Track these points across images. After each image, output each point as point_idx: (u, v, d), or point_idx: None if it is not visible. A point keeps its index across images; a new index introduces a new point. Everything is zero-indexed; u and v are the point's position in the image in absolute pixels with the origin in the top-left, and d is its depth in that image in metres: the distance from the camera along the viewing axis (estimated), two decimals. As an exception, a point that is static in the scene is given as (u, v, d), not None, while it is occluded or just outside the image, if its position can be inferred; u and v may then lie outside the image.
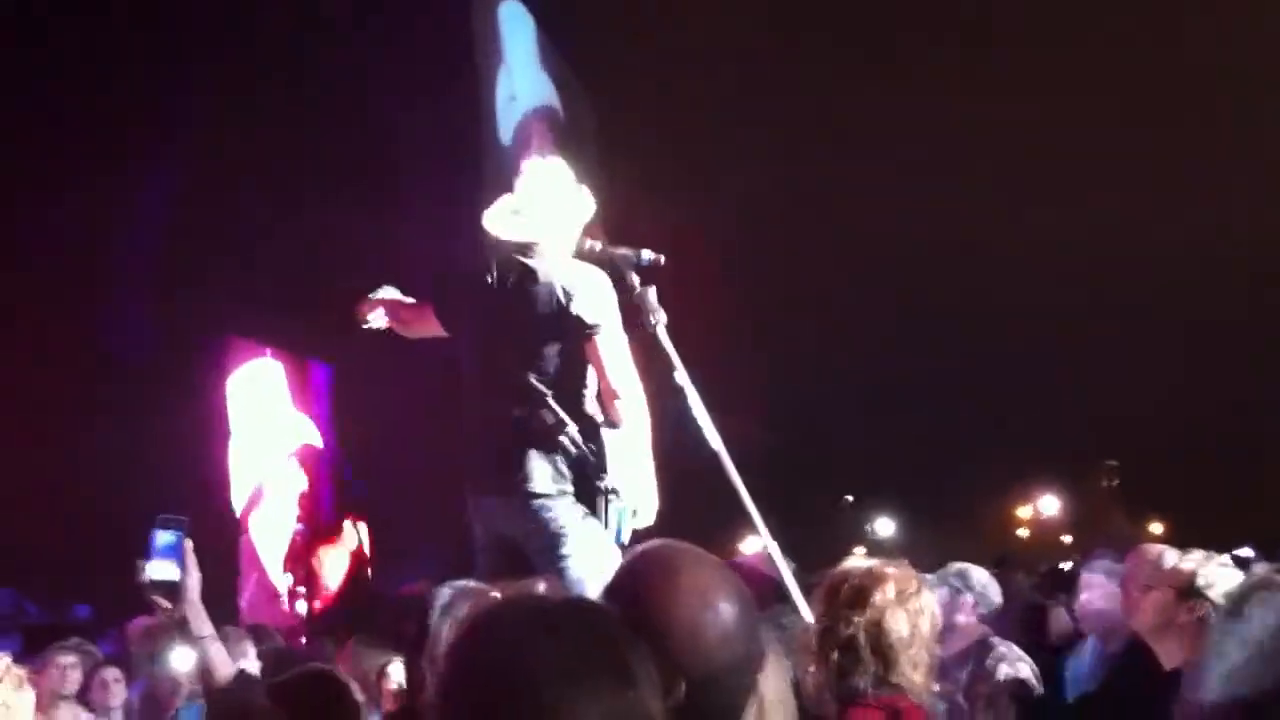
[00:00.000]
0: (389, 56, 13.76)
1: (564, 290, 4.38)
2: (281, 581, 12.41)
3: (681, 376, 4.45)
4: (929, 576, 4.97)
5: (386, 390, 13.63)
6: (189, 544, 3.15)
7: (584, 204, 4.68)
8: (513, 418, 4.34)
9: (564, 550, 4.21)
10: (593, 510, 4.23)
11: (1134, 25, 27.37)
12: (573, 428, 4.30)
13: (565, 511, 4.25)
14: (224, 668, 3.17)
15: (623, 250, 4.58)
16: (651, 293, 4.54)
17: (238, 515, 12.14)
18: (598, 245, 4.62)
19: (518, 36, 18.06)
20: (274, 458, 12.74)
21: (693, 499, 4.99)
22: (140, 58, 11.59)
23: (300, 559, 12.71)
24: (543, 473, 4.32)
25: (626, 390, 4.28)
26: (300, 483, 13.03)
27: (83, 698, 6.24)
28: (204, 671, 3.18)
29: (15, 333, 10.36)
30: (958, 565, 5.15)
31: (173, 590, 3.11)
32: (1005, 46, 28.46)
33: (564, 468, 4.28)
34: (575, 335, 4.31)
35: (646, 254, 4.59)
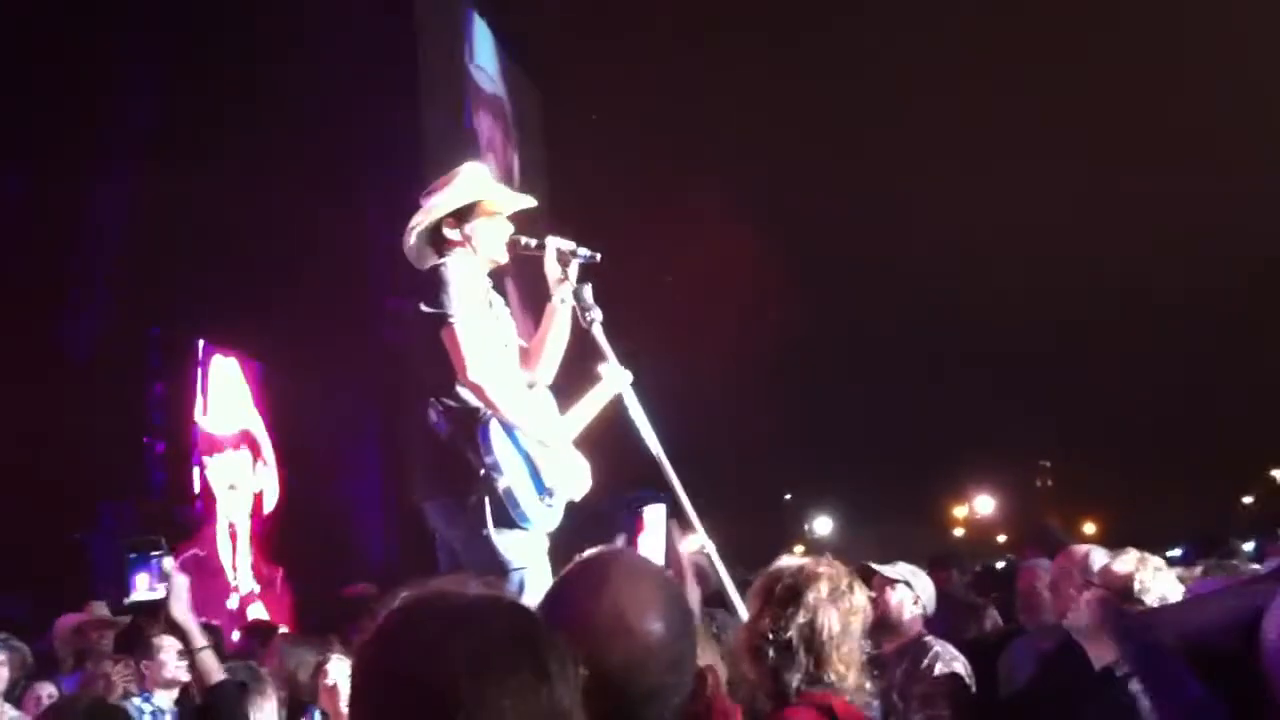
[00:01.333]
0: (335, 47, 13.69)
1: (419, 284, 4.41)
2: (236, 578, 12.35)
3: (607, 368, 4.47)
4: (886, 568, 5.01)
5: (321, 386, 13.55)
6: (169, 562, 3.22)
7: (501, 203, 4.66)
8: (415, 420, 4.40)
9: (470, 547, 4.23)
10: (480, 501, 4.20)
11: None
12: (448, 423, 4.30)
13: (461, 509, 4.25)
14: (214, 676, 3.29)
15: (561, 244, 4.59)
16: (588, 290, 4.55)
17: (195, 510, 12.07)
18: (532, 242, 4.62)
19: (465, 28, 18.10)
20: (230, 455, 12.69)
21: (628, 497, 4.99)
22: (94, 49, 11.46)
23: (251, 556, 12.67)
24: (431, 473, 4.36)
25: (487, 377, 4.25)
26: (254, 481, 12.98)
27: (9, 697, 6.16)
28: (197, 678, 3.29)
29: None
30: (906, 565, 5.19)
31: (155, 609, 3.20)
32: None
33: (445, 464, 4.28)
34: (432, 326, 4.31)
35: (584, 251, 4.61)
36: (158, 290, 11.94)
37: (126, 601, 3.17)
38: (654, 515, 4.43)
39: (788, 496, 38.40)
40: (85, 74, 11.42)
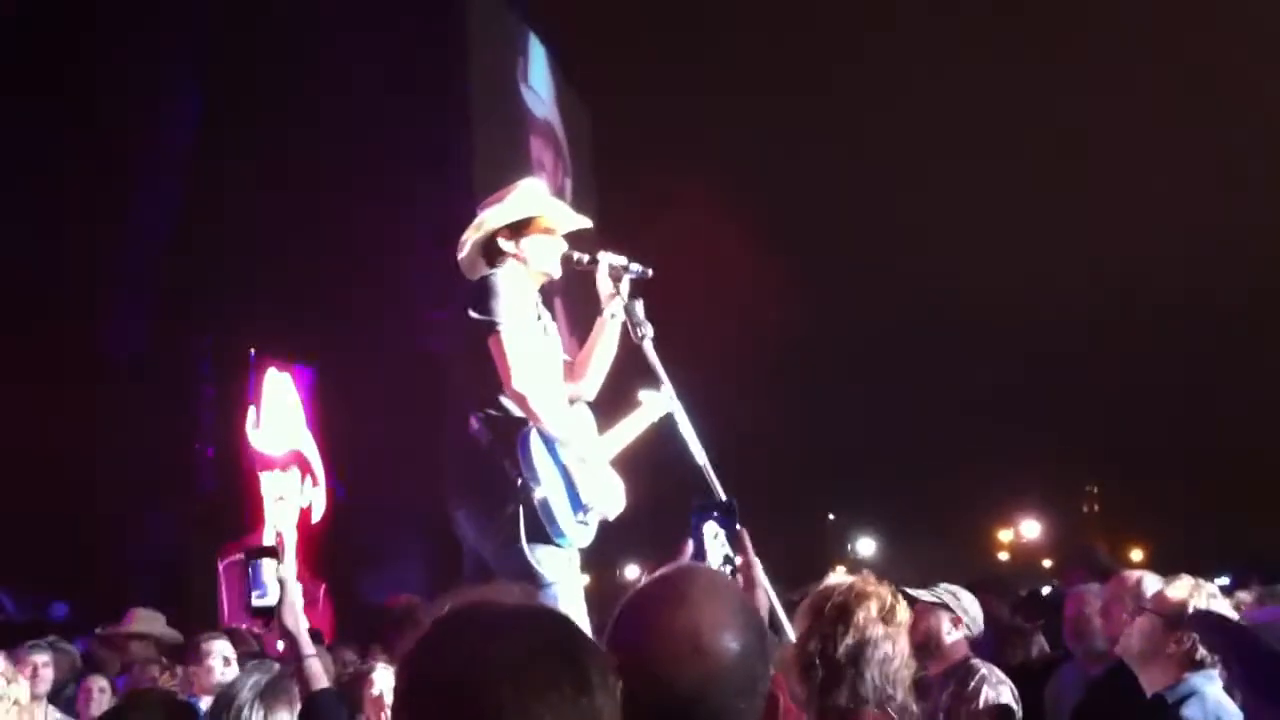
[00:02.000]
0: (383, 61, 13.79)
1: (469, 292, 4.42)
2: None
3: (668, 390, 4.46)
4: (923, 593, 4.96)
5: (367, 393, 13.61)
6: (282, 569, 3.34)
7: (557, 219, 4.68)
8: (454, 429, 4.40)
9: (501, 559, 4.23)
10: (515, 512, 4.20)
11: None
12: (489, 432, 4.30)
13: (496, 519, 4.24)
14: (319, 682, 3.32)
15: (614, 259, 4.60)
16: (639, 306, 4.55)
17: (243, 517, 12.14)
18: (585, 257, 4.63)
19: (515, 45, 18.18)
20: (279, 473, 12.76)
21: (676, 512, 4.97)
22: (135, 59, 11.58)
23: (295, 569, 12.68)
24: (466, 482, 4.37)
25: (532, 388, 4.25)
26: (301, 497, 13.03)
27: (55, 699, 6.21)
28: (302, 684, 3.33)
29: (11, 331, 10.33)
30: (948, 586, 5.13)
31: (270, 615, 3.32)
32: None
33: (484, 474, 4.28)
34: (479, 335, 4.31)
35: (635, 266, 4.61)
36: (205, 297, 12.05)
37: (249, 606, 3.32)
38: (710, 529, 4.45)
39: (831, 517, 38.25)
40: (136, 80, 11.54)
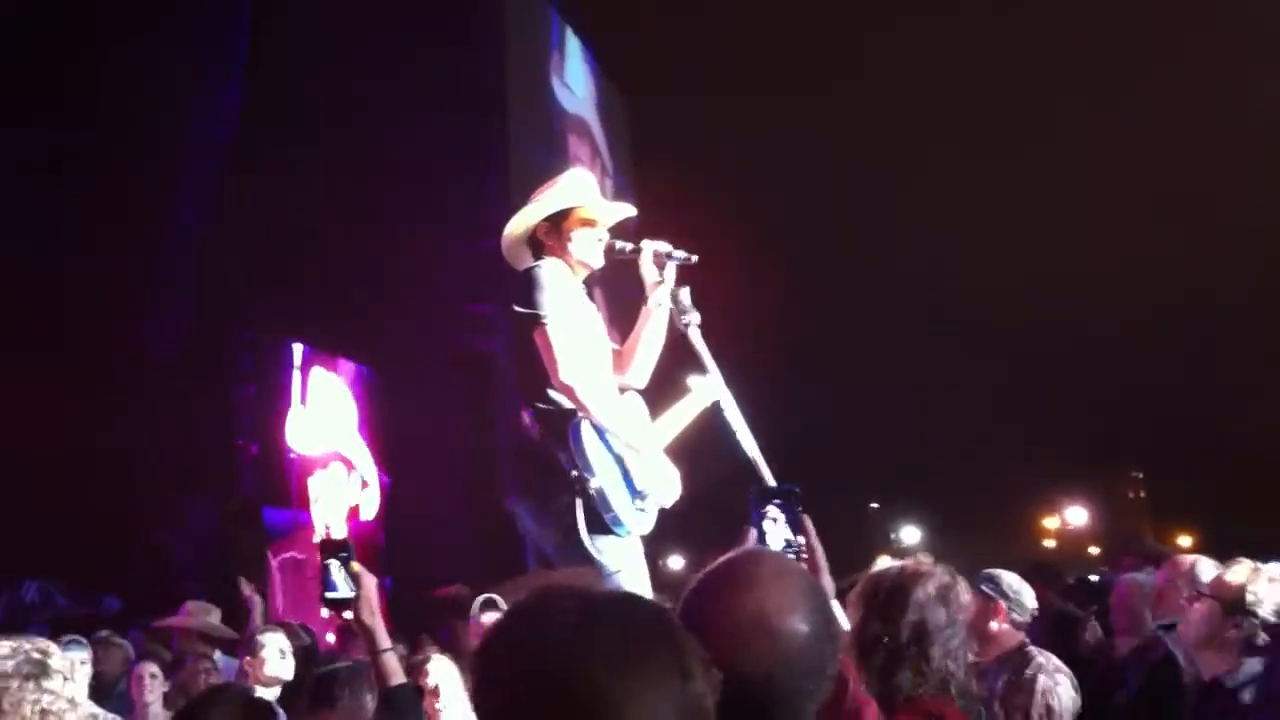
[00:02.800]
0: (418, 57, 13.82)
1: (513, 285, 4.43)
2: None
3: (715, 377, 4.44)
4: (978, 580, 4.90)
5: (410, 388, 13.65)
6: (356, 564, 3.39)
7: (600, 209, 4.67)
8: (501, 427, 4.42)
9: (563, 550, 4.23)
10: (572, 504, 4.19)
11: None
12: (540, 424, 4.32)
13: (554, 511, 4.24)
14: (395, 677, 3.34)
15: (658, 246, 4.58)
16: (685, 292, 4.54)
17: (287, 513, 12.21)
18: (628, 246, 4.62)
19: (552, 39, 18.19)
20: (324, 472, 12.82)
21: (723, 502, 4.96)
22: (176, 60, 11.65)
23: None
24: (523, 475, 4.39)
25: (579, 379, 4.25)
26: (349, 495, 13.09)
27: (109, 693, 6.24)
28: (379, 679, 3.36)
29: (52, 330, 10.42)
30: (987, 571, 5.07)
31: (346, 606, 3.35)
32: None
33: (541, 467, 4.29)
34: (525, 328, 4.31)
35: (680, 253, 4.59)
36: (244, 292, 12.11)
37: (324, 599, 3.36)
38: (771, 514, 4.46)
39: (874, 505, 38.14)
40: (176, 76, 11.61)
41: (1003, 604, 4.86)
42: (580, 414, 4.26)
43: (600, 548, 4.17)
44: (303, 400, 12.60)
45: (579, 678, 1.39)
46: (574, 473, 4.19)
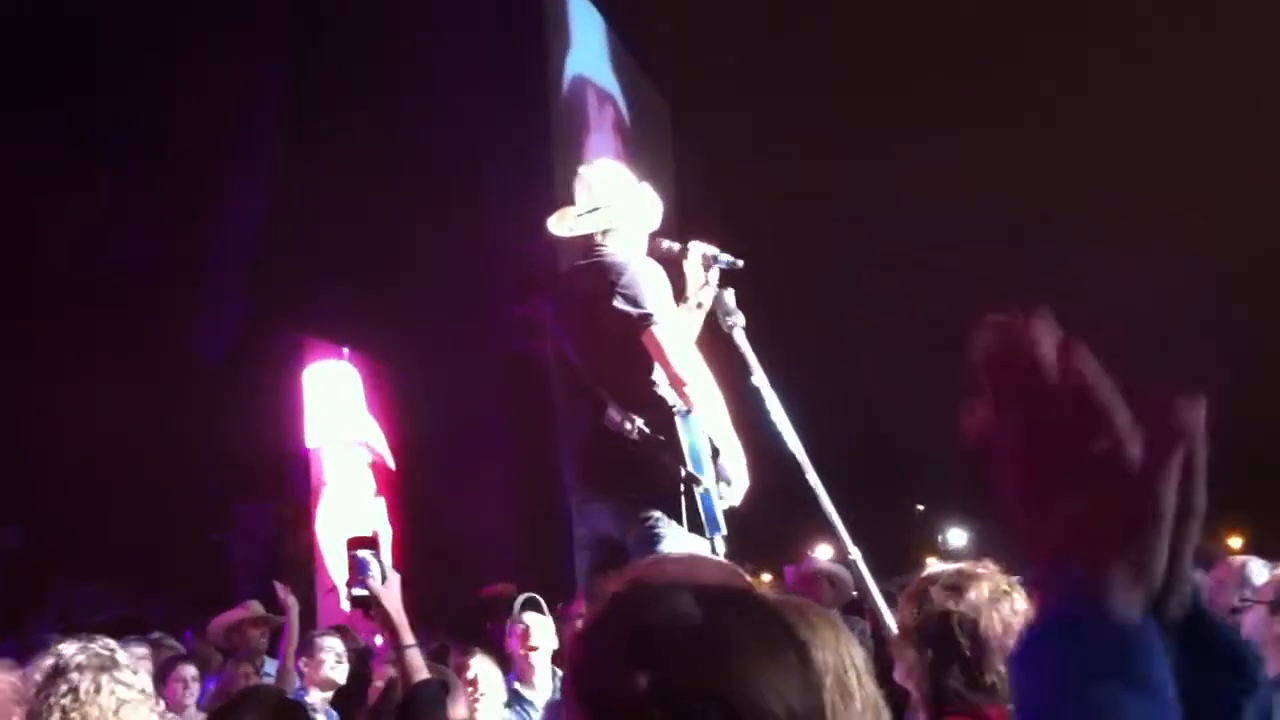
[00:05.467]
0: (463, 59, 13.86)
1: (611, 284, 4.38)
2: (338, 579, 12.42)
3: (760, 379, 4.44)
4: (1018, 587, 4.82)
5: (453, 390, 13.66)
6: (381, 563, 3.40)
7: (650, 204, 4.69)
8: (589, 420, 4.37)
9: (659, 547, 4.17)
10: (675, 502, 4.19)
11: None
12: (639, 422, 4.26)
13: (649, 509, 4.22)
14: (420, 673, 3.39)
15: (703, 249, 4.60)
16: (730, 295, 4.54)
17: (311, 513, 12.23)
18: (675, 246, 4.64)
19: (589, 37, 18.22)
20: (344, 458, 12.78)
21: (768, 504, 4.95)
22: (223, 63, 11.74)
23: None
24: (609, 474, 4.34)
25: (691, 375, 4.27)
26: (368, 485, 13.04)
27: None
28: (402, 675, 3.40)
29: (100, 331, 10.51)
30: None
31: (369, 606, 3.40)
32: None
33: (638, 465, 4.26)
34: (630, 327, 4.30)
35: (726, 256, 4.60)
36: (292, 293, 12.16)
37: (350, 596, 3.38)
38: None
39: (920, 507, 37.89)
40: (219, 75, 11.68)
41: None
42: (682, 415, 4.26)
43: (692, 547, 4.12)
44: (330, 395, 12.53)
45: (721, 657, 1.31)
46: (683, 473, 4.19)
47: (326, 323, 12.46)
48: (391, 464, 13.08)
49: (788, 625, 1.41)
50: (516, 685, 5.65)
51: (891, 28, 26.60)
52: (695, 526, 4.18)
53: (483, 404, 14.25)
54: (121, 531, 10.29)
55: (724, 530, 4.26)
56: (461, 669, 5.00)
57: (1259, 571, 4.28)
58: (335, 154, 12.24)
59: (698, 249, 4.61)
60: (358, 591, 3.39)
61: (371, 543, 3.42)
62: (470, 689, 5.06)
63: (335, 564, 12.39)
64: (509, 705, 5.38)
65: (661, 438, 4.22)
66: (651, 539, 4.19)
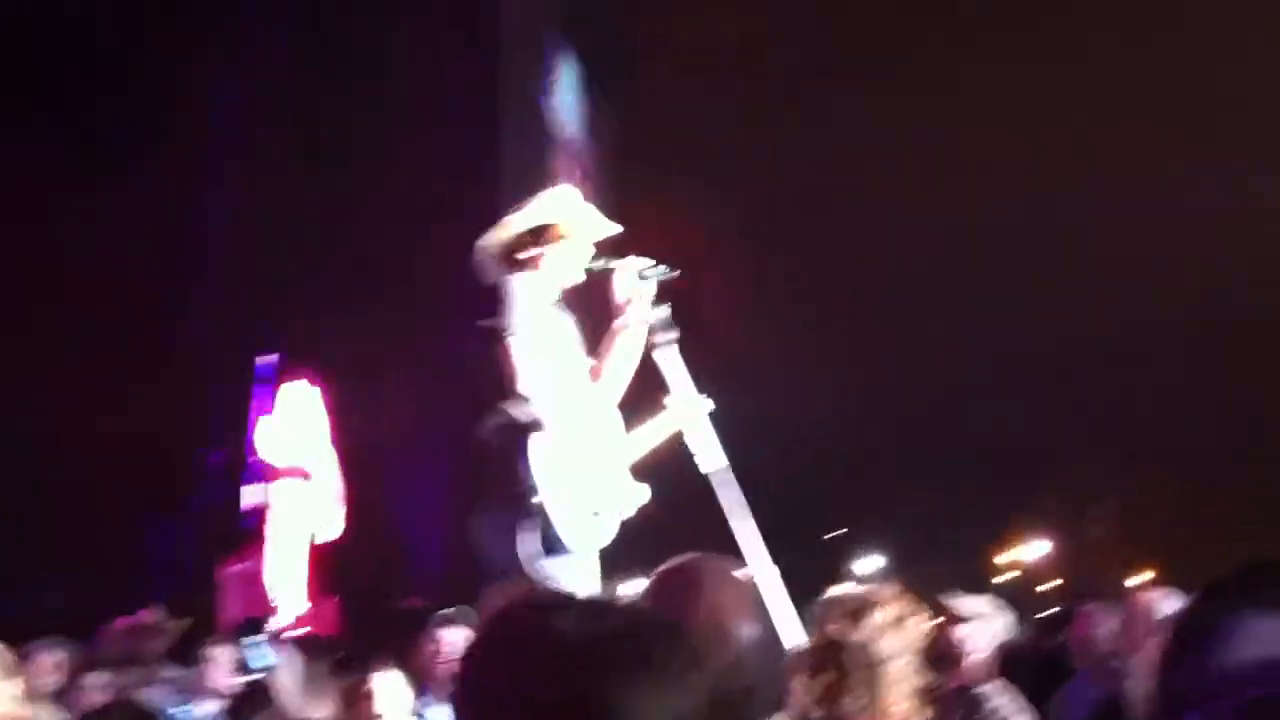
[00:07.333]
0: (416, 67, 13.82)
1: (488, 299, 4.46)
2: (278, 601, 12.29)
3: (689, 395, 4.44)
4: (958, 603, 4.81)
5: (390, 403, 13.56)
6: (279, 650, 3.31)
7: (594, 222, 4.69)
8: (477, 435, 4.41)
9: (515, 564, 4.21)
10: (524, 520, 4.20)
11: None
12: (503, 436, 4.32)
13: (505, 525, 4.25)
14: None
15: (637, 263, 4.60)
16: (665, 310, 4.55)
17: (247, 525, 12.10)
18: (610, 262, 4.64)
19: (561, 72, 18.25)
20: (288, 483, 12.67)
21: (691, 518, 4.95)
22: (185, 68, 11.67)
23: (303, 583, 12.60)
24: (484, 487, 4.41)
25: (538, 392, 4.29)
26: (313, 513, 12.91)
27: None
28: None
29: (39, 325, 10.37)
30: (982, 599, 4.98)
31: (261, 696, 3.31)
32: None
33: (501, 479, 4.31)
34: (491, 341, 4.36)
35: (660, 269, 4.61)
36: (218, 299, 12.04)
37: (242, 680, 3.26)
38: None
39: (834, 534, 38.13)
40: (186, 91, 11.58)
41: (978, 632, 4.78)
42: (539, 428, 4.27)
43: (551, 565, 4.17)
44: (274, 409, 12.45)
45: (585, 691, 1.31)
46: (526, 486, 4.21)
47: (250, 328, 12.33)
48: (336, 495, 12.97)
49: (674, 638, 1.41)
50: (426, 701, 5.59)
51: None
52: (548, 542, 4.20)
53: (417, 413, 14.15)
54: (33, 524, 10.13)
55: (571, 552, 4.26)
56: (362, 683, 4.94)
57: (1166, 606, 4.32)
58: (281, 165, 12.18)
59: (630, 264, 4.62)
60: (246, 679, 3.27)
61: (260, 626, 3.32)
62: (366, 703, 5.00)
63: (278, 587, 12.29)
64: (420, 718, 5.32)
65: (518, 453, 4.25)
66: (513, 555, 4.21)
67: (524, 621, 1.41)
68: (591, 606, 1.44)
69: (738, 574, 2.02)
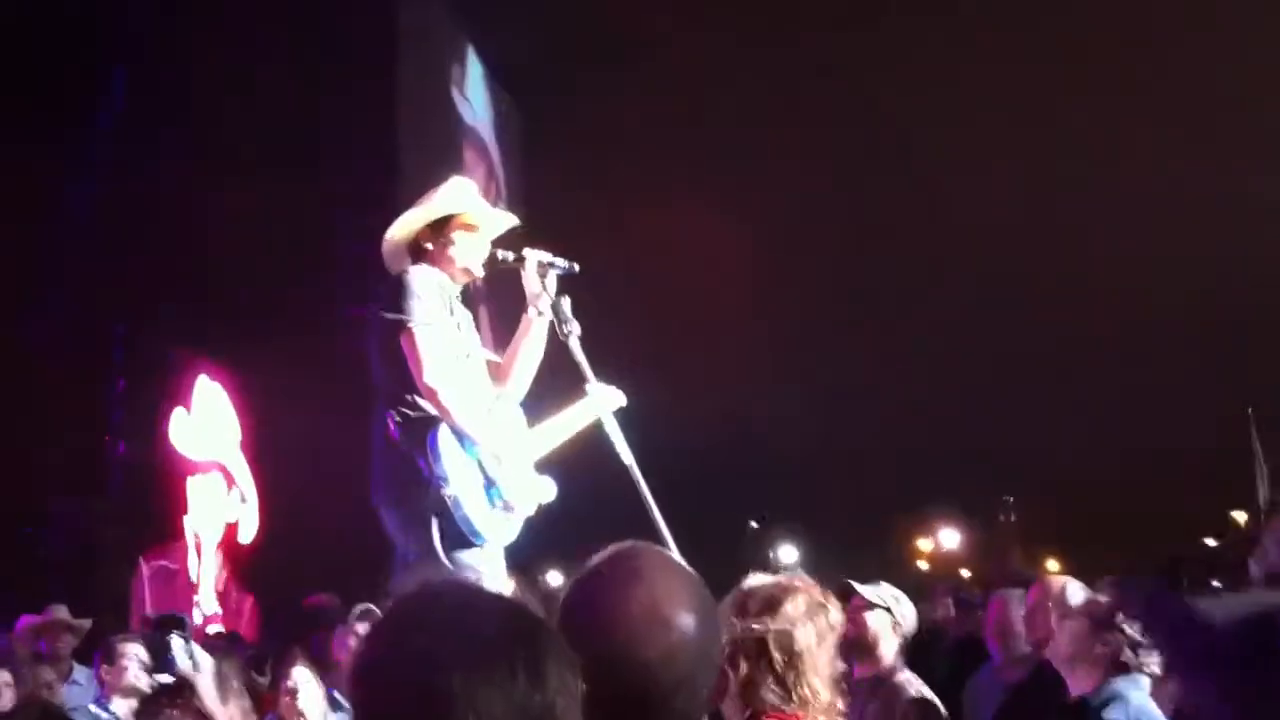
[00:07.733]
0: (310, 60, 13.66)
1: (381, 290, 4.44)
2: (199, 595, 12.16)
3: (595, 388, 4.43)
4: (868, 590, 4.83)
5: (293, 396, 13.40)
6: (189, 645, 3.23)
7: (492, 215, 4.69)
8: (373, 429, 4.39)
9: (422, 558, 4.19)
10: (432, 512, 4.18)
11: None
12: (403, 429, 4.31)
13: (412, 521, 4.23)
14: None
15: (540, 256, 4.58)
16: (566, 302, 4.54)
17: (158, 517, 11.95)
18: (510, 255, 4.62)
19: (465, 66, 18.13)
20: (203, 479, 12.53)
21: (601, 512, 4.94)
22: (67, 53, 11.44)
23: (220, 580, 12.48)
24: (385, 481, 4.37)
25: (441, 384, 4.25)
26: (228, 510, 12.78)
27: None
28: None
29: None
30: (891, 588, 5.00)
31: (178, 692, 3.23)
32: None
33: (401, 475, 4.28)
34: (393, 333, 4.32)
35: (562, 262, 4.60)
36: (122, 288, 11.84)
37: (158, 679, 3.19)
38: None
39: (753, 524, 38.32)
40: (60, 74, 11.38)
41: (890, 620, 4.80)
42: (442, 420, 4.25)
43: (456, 559, 4.15)
44: (186, 405, 12.31)
45: (430, 683, 1.40)
46: (431, 479, 4.17)
47: (152, 321, 12.14)
48: (251, 495, 12.83)
49: (522, 641, 1.47)
50: (338, 694, 5.55)
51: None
52: (453, 535, 4.17)
53: (317, 410, 13.99)
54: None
55: (490, 539, 4.26)
56: (282, 679, 4.91)
57: (1077, 593, 4.38)
58: (174, 150, 11.98)
59: (533, 256, 4.60)
60: (163, 679, 3.20)
61: (179, 623, 3.24)
62: (289, 699, 4.98)
63: (198, 581, 12.12)
64: (335, 710, 5.29)
65: (418, 447, 4.23)
66: (420, 549, 4.19)
67: (396, 619, 1.52)
68: (465, 604, 1.52)
69: (680, 562, 2.02)
